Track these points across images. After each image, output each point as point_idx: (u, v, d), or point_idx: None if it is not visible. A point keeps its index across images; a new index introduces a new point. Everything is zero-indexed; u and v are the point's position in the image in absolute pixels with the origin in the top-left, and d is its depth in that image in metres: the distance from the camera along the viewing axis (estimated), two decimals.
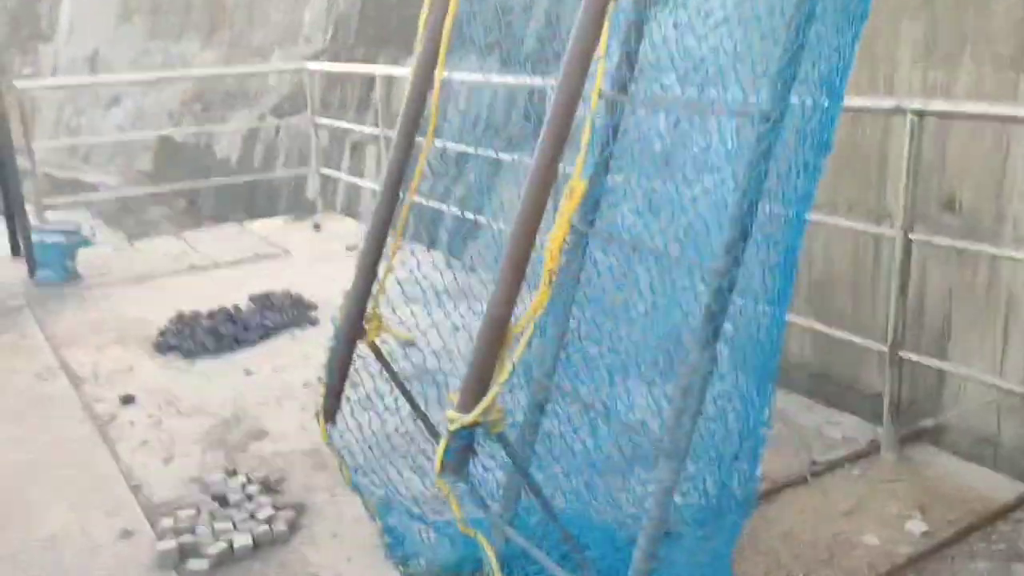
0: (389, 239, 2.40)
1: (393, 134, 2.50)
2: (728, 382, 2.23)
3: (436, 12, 2.60)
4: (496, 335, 1.93)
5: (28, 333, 5.21)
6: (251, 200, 19.08)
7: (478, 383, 1.95)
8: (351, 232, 7.40)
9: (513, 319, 1.96)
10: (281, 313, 5.24)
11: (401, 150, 2.39)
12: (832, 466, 3.34)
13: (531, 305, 1.91)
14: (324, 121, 8.70)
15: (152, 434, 3.98)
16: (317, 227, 7.40)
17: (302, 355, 4.78)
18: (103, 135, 21.70)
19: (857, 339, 3.66)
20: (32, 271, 6.09)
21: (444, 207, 6.85)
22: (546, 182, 1.91)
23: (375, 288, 2.42)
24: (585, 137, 1.87)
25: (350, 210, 14.43)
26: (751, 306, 2.21)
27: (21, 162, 6.74)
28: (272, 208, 18.19)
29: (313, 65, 9.46)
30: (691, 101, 2.04)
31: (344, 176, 9.37)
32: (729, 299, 2.11)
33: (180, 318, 5.20)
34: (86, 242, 6.42)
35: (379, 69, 7.91)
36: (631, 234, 2.16)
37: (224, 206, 19.89)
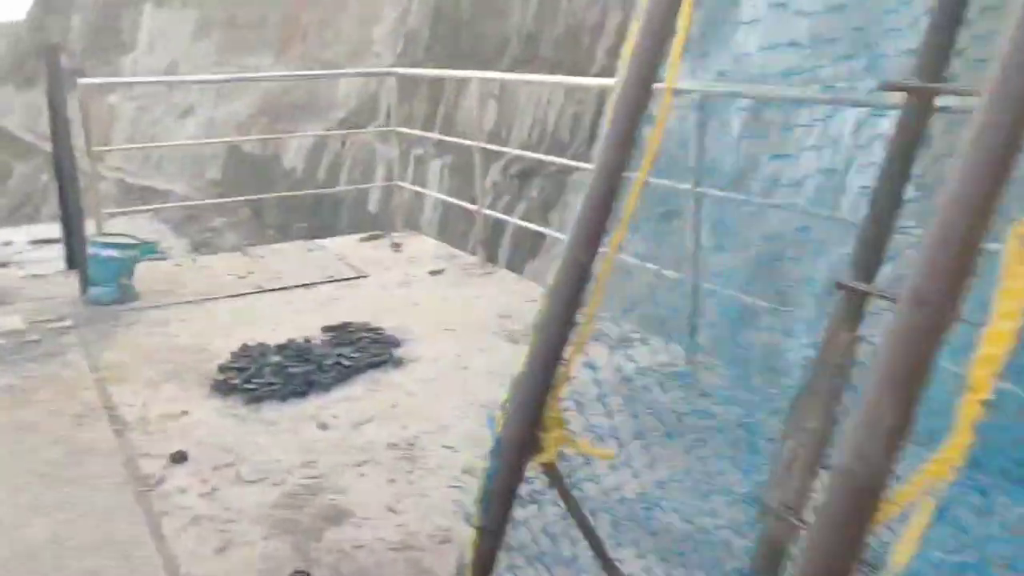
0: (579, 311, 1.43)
1: (592, 162, 1.54)
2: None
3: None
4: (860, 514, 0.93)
5: (71, 362, 4.32)
6: (315, 212, 18.38)
7: None
8: (431, 253, 6.45)
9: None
10: (360, 350, 4.28)
11: (606, 185, 1.43)
12: None
13: (932, 464, 0.91)
14: (405, 131, 7.80)
15: (205, 507, 3.04)
16: (397, 247, 6.44)
17: (386, 405, 3.82)
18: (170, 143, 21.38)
19: None
20: (84, 288, 5.23)
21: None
22: None
23: (556, 377, 1.44)
24: None
25: (411, 224, 13.57)
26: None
27: (85, 167, 5.93)
28: (335, 220, 17.44)
29: (402, 69, 8.57)
30: None
31: (422, 190, 8.46)
32: None
33: (244, 351, 4.29)
34: (149, 250, 5.57)
35: (475, 74, 6.96)
36: None
37: (288, 217, 19.23)
